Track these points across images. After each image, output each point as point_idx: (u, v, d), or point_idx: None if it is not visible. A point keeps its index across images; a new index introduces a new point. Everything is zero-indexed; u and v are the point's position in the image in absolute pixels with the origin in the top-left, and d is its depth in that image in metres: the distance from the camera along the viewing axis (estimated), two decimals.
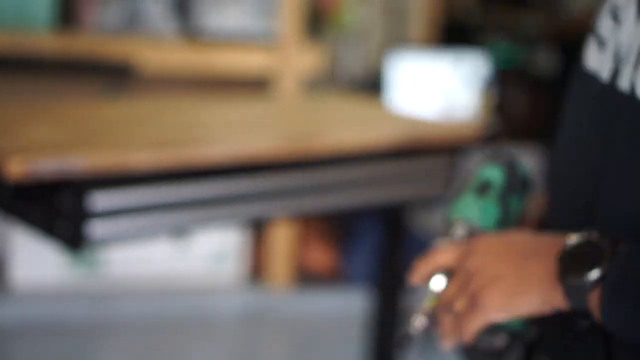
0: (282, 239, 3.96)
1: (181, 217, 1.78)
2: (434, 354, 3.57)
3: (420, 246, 3.91)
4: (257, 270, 4.06)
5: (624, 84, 0.93)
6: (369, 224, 4.14)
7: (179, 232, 1.86)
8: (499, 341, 1.03)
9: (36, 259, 3.72)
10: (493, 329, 1.01)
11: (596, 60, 0.99)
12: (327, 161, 2.00)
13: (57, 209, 1.64)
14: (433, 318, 1.02)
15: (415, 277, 1.04)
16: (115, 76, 3.59)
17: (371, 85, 4.21)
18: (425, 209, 3.86)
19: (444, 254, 1.02)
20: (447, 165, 2.25)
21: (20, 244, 3.70)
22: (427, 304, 1.01)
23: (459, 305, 0.97)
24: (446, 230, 1.08)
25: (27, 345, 3.45)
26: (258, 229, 4.12)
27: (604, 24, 1.00)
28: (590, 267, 0.88)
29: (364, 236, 4.13)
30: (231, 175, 1.82)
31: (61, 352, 3.41)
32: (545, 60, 6.89)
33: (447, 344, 1.00)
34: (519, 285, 0.92)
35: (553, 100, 7.08)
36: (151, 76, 3.96)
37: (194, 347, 3.53)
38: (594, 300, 0.88)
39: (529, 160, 3.60)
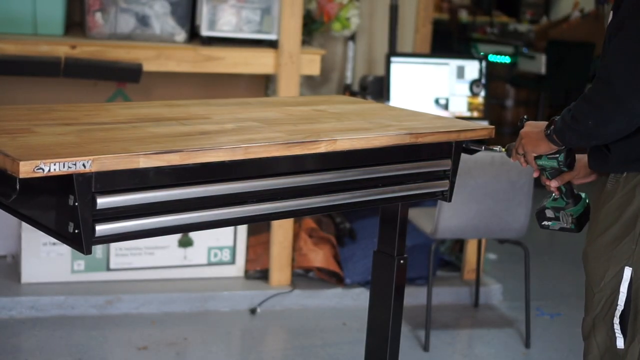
0: (282, 238, 3.98)
1: (186, 217, 1.81)
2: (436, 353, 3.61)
3: (419, 245, 3.96)
4: (256, 269, 4.08)
5: None
6: (368, 223, 4.16)
7: (183, 230, 1.86)
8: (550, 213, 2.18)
9: (45, 256, 3.82)
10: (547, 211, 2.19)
11: None
12: (327, 161, 2.00)
13: (65, 209, 1.65)
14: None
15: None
16: (128, 75, 3.61)
17: (371, 87, 4.23)
18: (425, 209, 3.88)
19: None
20: (447, 165, 2.28)
21: (30, 242, 3.78)
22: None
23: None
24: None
25: (36, 335, 3.51)
26: (258, 229, 4.13)
27: None
28: (549, 126, 2.05)
29: (364, 235, 4.15)
30: (232, 175, 1.84)
31: (68, 342, 3.46)
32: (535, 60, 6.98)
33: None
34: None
35: (545, 99, 7.17)
36: (156, 77, 4.02)
37: (195, 341, 3.58)
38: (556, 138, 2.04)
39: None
